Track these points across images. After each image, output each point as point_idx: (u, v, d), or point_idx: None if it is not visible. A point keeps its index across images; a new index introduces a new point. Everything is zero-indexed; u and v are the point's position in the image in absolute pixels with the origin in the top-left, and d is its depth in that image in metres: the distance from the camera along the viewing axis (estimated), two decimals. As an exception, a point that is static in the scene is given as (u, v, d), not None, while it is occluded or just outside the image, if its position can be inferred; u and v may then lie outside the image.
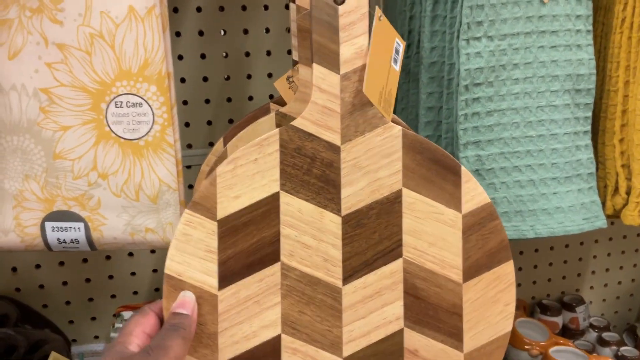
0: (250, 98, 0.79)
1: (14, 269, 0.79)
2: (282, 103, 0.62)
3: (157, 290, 0.83)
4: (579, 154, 0.66)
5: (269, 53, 0.78)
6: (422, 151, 0.48)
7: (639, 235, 0.98)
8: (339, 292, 0.47)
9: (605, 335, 0.93)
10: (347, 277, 0.48)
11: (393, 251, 0.48)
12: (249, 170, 0.46)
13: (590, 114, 0.66)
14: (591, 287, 1.00)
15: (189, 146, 0.79)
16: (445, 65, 0.65)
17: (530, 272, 0.96)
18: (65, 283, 0.80)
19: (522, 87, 0.64)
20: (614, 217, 0.70)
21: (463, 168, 0.48)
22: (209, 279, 0.46)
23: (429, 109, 0.67)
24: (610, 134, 0.69)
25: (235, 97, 0.78)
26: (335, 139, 0.47)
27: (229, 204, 0.46)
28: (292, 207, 0.47)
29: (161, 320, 0.45)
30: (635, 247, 0.99)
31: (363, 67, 0.47)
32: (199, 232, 0.45)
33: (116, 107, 0.57)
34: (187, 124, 0.78)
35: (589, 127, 0.66)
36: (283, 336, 0.47)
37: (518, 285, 0.96)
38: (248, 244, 0.46)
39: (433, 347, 0.48)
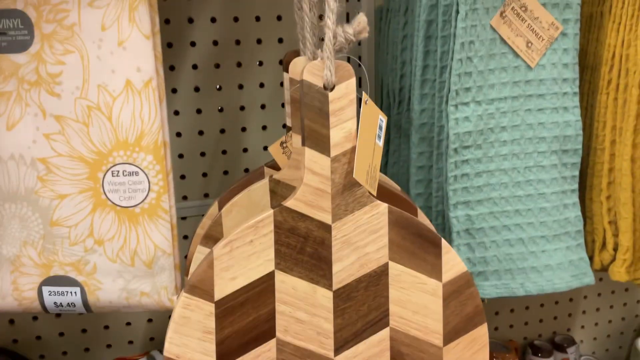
0: (245, 150, 0.80)
1: (12, 321, 0.79)
2: (276, 167, 0.63)
3: (152, 339, 0.84)
4: (567, 212, 0.67)
5: (263, 106, 0.79)
6: (406, 226, 0.50)
7: (628, 275, 0.99)
8: None
9: (596, 376, 0.94)
10: (339, 348, 0.50)
11: (381, 321, 0.50)
12: (245, 252, 0.47)
13: (577, 172, 0.68)
14: (582, 327, 1.01)
15: (185, 198, 0.80)
16: (435, 126, 0.67)
17: (522, 313, 0.98)
18: (62, 334, 0.81)
19: (510, 148, 0.65)
20: (601, 271, 0.71)
21: (443, 241, 0.50)
22: None
23: (419, 167, 0.69)
24: (597, 191, 0.70)
25: (230, 150, 0.80)
26: (327, 218, 0.49)
27: (225, 285, 0.47)
28: (287, 284, 0.48)
29: None
30: (625, 286, 1.00)
31: (352, 149, 0.48)
32: (196, 315, 0.46)
33: (113, 176, 0.58)
34: (182, 177, 0.80)
35: (576, 186, 0.68)
36: None
37: (510, 326, 0.98)
38: (245, 323, 0.48)
39: None
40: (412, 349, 0.51)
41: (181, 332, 0.46)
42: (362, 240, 0.50)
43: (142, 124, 0.57)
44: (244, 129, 0.80)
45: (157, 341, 0.84)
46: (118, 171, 0.58)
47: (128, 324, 0.83)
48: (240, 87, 0.78)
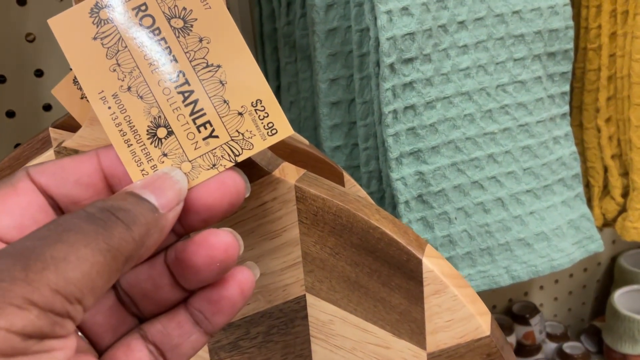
0: (48, 107, 0.50)
1: None
2: (72, 126, 0.34)
3: None
4: (559, 150, 0.44)
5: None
6: (340, 230, 0.24)
7: (588, 217, 0.81)
8: None
9: (567, 347, 0.76)
10: None
11: None
12: None
13: (567, 87, 0.45)
14: (541, 287, 0.82)
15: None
16: (353, 32, 0.40)
17: (472, 283, 0.77)
18: None
19: (474, 58, 0.40)
20: (605, 227, 0.50)
21: (427, 264, 0.24)
22: None
23: (333, 105, 0.42)
24: (591, 113, 0.48)
25: (21, 109, 0.49)
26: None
27: None
28: None
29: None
30: (585, 231, 0.82)
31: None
32: None
33: None
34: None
35: (567, 108, 0.45)
36: None
37: (460, 303, 0.76)
38: None
39: None
40: None
41: None
42: (256, 248, 0.25)
43: None
44: (39, 73, 0.49)
45: None
46: None
47: None
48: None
